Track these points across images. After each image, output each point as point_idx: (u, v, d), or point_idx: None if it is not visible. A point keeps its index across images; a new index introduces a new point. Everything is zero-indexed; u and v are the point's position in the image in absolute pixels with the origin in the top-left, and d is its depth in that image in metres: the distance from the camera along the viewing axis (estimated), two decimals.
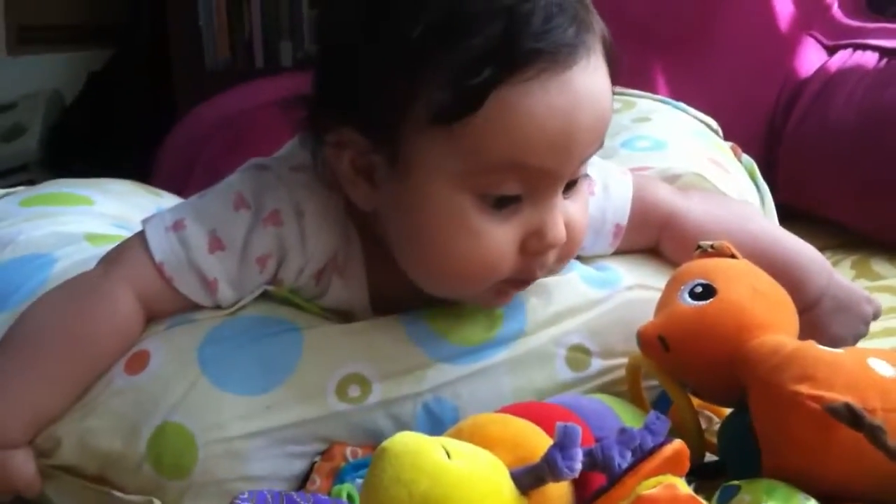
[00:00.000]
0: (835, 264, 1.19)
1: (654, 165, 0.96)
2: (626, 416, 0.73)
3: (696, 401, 0.75)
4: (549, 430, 0.61)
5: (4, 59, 2.07)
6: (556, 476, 0.58)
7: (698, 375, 0.72)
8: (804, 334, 0.73)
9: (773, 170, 1.32)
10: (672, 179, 0.93)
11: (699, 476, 0.70)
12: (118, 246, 0.79)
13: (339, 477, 0.72)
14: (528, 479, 0.59)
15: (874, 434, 0.59)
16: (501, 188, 0.70)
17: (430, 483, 0.56)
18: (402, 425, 0.75)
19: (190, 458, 0.72)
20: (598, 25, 0.72)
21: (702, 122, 1.13)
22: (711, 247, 0.77)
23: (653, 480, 0.58)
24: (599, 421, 0.70)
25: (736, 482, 0.63)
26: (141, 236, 0.77)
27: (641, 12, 1.44)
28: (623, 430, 0.61)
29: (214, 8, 1.88)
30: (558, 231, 0.72)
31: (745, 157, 1.10)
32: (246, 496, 0.61)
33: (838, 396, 0.61)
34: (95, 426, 0.74)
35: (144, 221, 0.78)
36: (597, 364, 0.80)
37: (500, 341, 0.78)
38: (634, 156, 0.99)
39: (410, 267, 0.75)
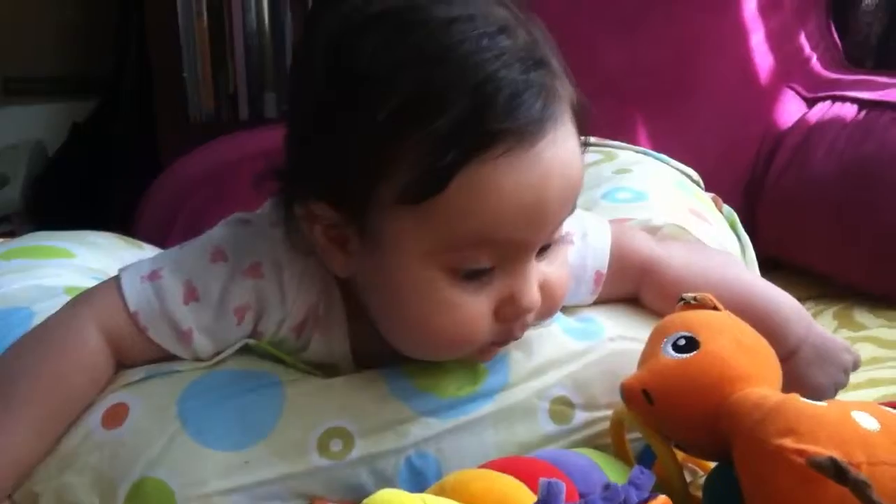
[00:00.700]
0: (817, 315, 1.19)
1: (635, 217, 0.97)
2: (611, 471, 0.72)
3: (680, 454, 0.75)
4: (532, 485, 0.61)
5: None
6: None
7: (682, 429, 0.72)
8: (784, 384, 0.73)
9: (754, 220, 1.33)
10: (653, 231, 0.93)
11: None
12: (90, 289, 0.79)
13: None
14: None
15: (859, 489, 0.58)
16: (472, 263, 0.70)
17: None
18: (384, 481, 0.74)
19: None
20: (567, 89, 0.71)
21: (683, 172, 1.14)
22: (694, 298, 0.77)
23: None
24: (584, 476, 0.69)
25: None
26: (116, 283, 0.77)
27: (618, 66, 1.45)
28: (608, 486, 0.61)
29: (199, 59, 1.89)
30: (532, 297, 0.71)
31: (726, 207, 1.10)
32: None
33: (823, 451, 0.60)
34: (73, 482, 0.73)
35: (121, 270, 0.78)
36: (580, 416, 0.80)
37: (483, 395, 0.78)
38: (615, 207, 1.00)
39: (388, 334, 0.75)
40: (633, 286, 0.87)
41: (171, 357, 0.78)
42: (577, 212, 0.86)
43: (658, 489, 0.62)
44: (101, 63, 2.04)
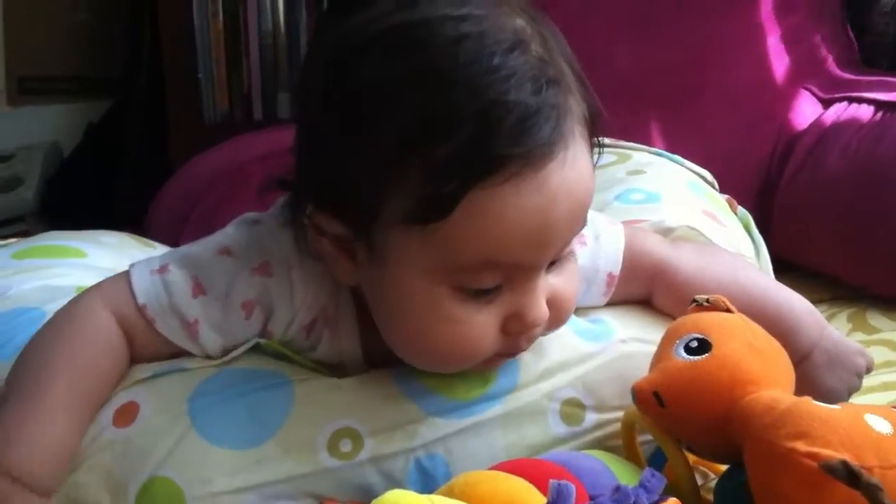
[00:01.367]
0: (831, 318, 1.19)
1: (648, 218, 0.96)
2: (621, 473, 0.72)
3: (691, 457, 0.74)
4: (542, 487, 0.61)
5: (4, 109, 2.08)
6: None
7: (694, 431, 0.72)
8: (796, 387, 0.72)
9: (769, 222, 1.32)
10: (666, 232, 0.93)
11: None
12: (100, 282, 0.79)
13: None
14: None
15: (871, 492, 0.58)
16: (479, 283, 0.69)
17: None
18: (393, 482, 0.74)
19: None
20: (580, 103, 0.69)
21: (697, 174, 1.14)
22: (707, 300, 0.77)
23: None
24: (593, 478, 0.69)
25: None
26: (126, 276, 0.77)
27: (632, 67, 1.45)
28: (617, 488, 0.61)
29: (213, 60, 1.90)
30: (539, 313, 0.71)
31: (741, 209, 1.10)
32: None
33: (834, 454, 0.60)
34: (84, 480, 0.73)
35: (132, 265, 0.79)
36: (591, 418, 0.79)
37: (492, 396, 0.77)
38: (628, 209, 0.99)
39: (392, 345, 0.75)
40: (646, 288, 0.86)
41: (180, 353, 0.78)
42: (590, 213, 0.86)
43: (668, 492, 0.62)
44: (115, 63, 2.05)
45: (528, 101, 0.65)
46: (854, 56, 1.54)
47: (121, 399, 0.76)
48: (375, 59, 0.67)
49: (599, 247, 0.84)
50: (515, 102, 0.65)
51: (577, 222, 0.71)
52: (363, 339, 0.79)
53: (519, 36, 0.67)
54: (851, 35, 1.55)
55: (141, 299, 0.76)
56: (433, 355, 0.73)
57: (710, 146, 1.35)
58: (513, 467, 0.67)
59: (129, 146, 1.97)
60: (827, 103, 1.44)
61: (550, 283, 0.72)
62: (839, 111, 1.41)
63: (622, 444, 0.79)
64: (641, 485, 0.61)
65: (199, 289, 0.76)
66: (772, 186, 1.39)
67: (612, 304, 0.86)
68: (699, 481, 0.76)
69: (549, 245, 0.69)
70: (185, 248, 0.80)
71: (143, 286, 0.76)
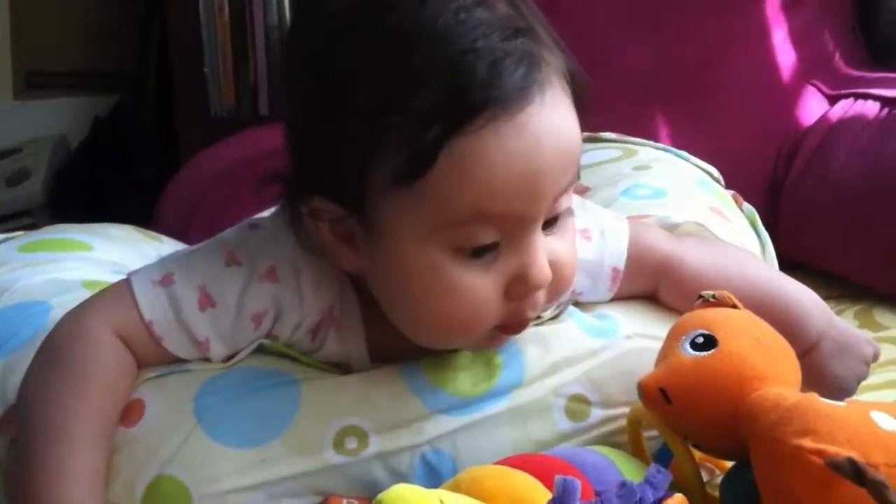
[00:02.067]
0: (837, 315, 1.18)
1: (654, 214, 0.96)
2: (627, 469, 0.72)
3: (697, 454, 0.74)
4: (547, 483, 0.61)
5: (11, 103, 2.09)
6: None
7: (700, 428, 0.72)
8: (805, 377, 0.72)
9: (775, 219, 1.32)
10: (671, 228, 0.93)
11: None
12: (99, 295, 0.77)
13: None
14: None
15: (877, 489, 0.58)
16: (475, 239, 0.69)
17: None
18: (399, 477, 0.74)
19: None
20: (557, 58, 0.70)
21: (703, 170, 1.13)
22: (713, 296, 0.77)
23: None
24: (599, 474, 0.69)
25: None
26: (128, 289, 0.75)
27: (640, 64, 1.44)
28: (623, 484, 0.61)
29: (220, 55, 1.90)
30: (542, 272, 0.70)
31: (747, 205, 1.10)
32: None
33: (841, 451, 0.60)
34: None
35: (131, 274, 0.77)
36: (597, 414, 0.79)
37: (498, 392, 0.77)
38: (634, 204, 0.99)
39: (400, 323, 0.75)
40: (651, 284, 0.86)
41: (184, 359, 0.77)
42: (596, 209, 0.86)
43: (674, 488, 0.62)
44: (123, 57, 2.05)
45: (498, 46, 0.67)
46: (861, 53, 1.54)
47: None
48: (343, 36, 0.68)
49: (605, 242, 0.84)
50: (485, 48, 0.66)
51: (568, 171, 0.70)
52: (368, 337, 0.79)
53: None
54: (859, 32, 1.55)
55: (147, 315, 0.74)
56: (439, 326, 0.72)
57: (717, 142, 1.35)
58: (518, 463, 0.67)
59: (136, 140, 1.97)
60: (833, 99, 1.44)
61: (550, 246, 0.72)
62: (845, 107, 1.40)
63: (628, 440, 0.79)
64: (647, 481, 0.61)
65: (206, 300, 0.74)
66: (778, 184, 1.39)
67: (618, 299, 0.86)
68: (705, 478, 0.76)
69: (538, 193, 0.68)
70: (186, 256, 0.78)
71: (148, 300, 0.74)
